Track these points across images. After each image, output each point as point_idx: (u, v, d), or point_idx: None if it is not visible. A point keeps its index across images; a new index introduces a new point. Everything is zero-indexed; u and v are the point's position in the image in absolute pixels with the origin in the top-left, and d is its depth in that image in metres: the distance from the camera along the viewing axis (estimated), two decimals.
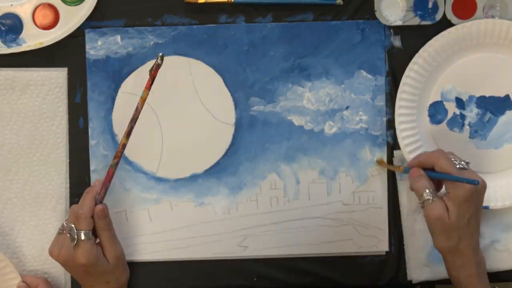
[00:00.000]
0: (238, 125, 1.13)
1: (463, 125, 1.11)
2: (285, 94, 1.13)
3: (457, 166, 1.03)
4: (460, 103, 1.11)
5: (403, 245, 1.14)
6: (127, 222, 1.13)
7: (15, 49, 1.10)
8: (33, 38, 1.11)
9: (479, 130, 1.11)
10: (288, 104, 1.13)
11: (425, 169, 1.06)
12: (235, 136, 1.13)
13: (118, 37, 1.12)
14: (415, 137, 1.10)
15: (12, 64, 1.12)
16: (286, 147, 1.13)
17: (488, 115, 1.11)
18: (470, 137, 1.12)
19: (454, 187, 1.02)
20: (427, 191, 1.03)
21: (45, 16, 1.11)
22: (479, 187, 1.02)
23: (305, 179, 1.13)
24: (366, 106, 1.13)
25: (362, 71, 1.13)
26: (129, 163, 1.13)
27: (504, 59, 1.10)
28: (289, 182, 1.13)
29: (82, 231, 1.04)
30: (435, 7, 1.10)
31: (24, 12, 1.11)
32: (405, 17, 1.11)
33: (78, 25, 1.11)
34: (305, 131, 1.13)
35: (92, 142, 1.13)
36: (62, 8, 1.11)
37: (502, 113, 1.11)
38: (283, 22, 1.13)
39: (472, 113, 1.11)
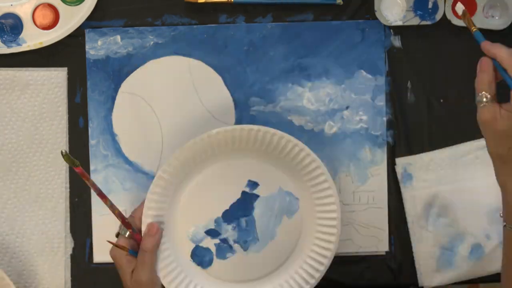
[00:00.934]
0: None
1: (231, 247, 1.09)
2: (285, 94, 1.13)
3: None
4: (213, 233, 1.09)
5: (407, 249, 1.15)
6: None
7: (15, 49, 1.11)
8: (33, 38, 1.11)
9: (247, 238, 1.09)
10: (288, 104, 1.13)
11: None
12: None
13: (118, 37, 1.13)
14: (183, 283, 1.08)
15: (12, 63, 1.12)
16: None
17: (243, 220, 1.09)
18: (245, 250, 1.09)
19: None
20: (482, 93, 0.98)
21: (45, 16, 1.11)
22: None
23: None
24: (366, 106, 1.13)
25: (362, 71, 1.13)
26: (129, 163, 1.14)
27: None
28: None
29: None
30: (435, 7, 1.11)
31: (24, 12, 1.11)
32: (405, 17, 1.11)
33: (78, 25, 1.11)
34: (305, 131, 1.13)
35: (92, 142, 1.14)
36: (62, 8, 1.11)
37: (252, 208, 1.09)
38: (283, 22, 1.13)
39: (229, 231, 1.09)
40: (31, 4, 1.11)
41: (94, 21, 1.12)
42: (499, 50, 0.97)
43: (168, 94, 1.13)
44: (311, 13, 1.13)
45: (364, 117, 1.13)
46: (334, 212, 1.07)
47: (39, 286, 1.15)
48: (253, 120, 1.13)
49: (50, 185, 1.14)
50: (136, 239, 1.05)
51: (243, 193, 1.09)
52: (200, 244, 1.09)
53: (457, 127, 1.14)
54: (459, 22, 1.11)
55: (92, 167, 1.13)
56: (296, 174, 1.08)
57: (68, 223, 1.14)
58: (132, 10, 1.13)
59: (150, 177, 1.13)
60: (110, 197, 1.12)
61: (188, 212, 1.08)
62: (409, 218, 1.13)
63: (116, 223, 1.12)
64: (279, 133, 1.04)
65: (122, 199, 1.14)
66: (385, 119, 1.13)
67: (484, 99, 0.98)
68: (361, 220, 1.14)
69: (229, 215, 1.09)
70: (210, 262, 1.09)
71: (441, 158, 1.14)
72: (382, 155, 1.14)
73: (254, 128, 1.04)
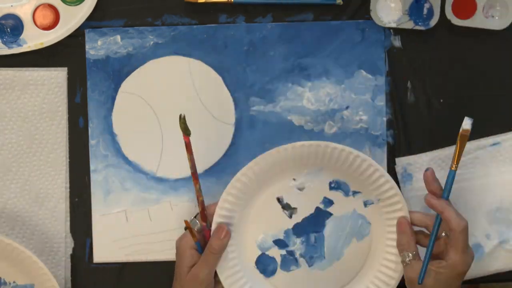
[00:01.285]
0: (238, 125, 1.14)
1: (296, 260, 1.10)
2: (285, 94, 1.14)
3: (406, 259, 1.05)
4: (280, 243, 1.10)
5: None
6: (127, 222, 1.14)
7: (15, 49, 1.11)
8: (34, 39, 1.11)
9: (313, 254, 1.10)
10: (288, 104, 1.14)
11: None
12: (235, 136, 1.14)
13: (118, 37, 1.13)
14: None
15: (12, 64, 1.12)
16: None
17: (312, 236, 1.10)
18: (310, 266, 1.10)
19: (453, 257, 1.03)
20: (404, 253, 1.05)
21: (45, 17, 1.11)
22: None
23: None
24: (366, 106, 1.14)
25: (362, 71, 1.13)
26: (129, 163, 1.14)
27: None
28: None
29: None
30: (430, 13, 1.11)
31: (24, 12, 1.11)
32: (399, 19, 1.11)
33: (79, 25, 1.11)
34: (305, 131, 1.14)
35: (92, 142, 1.14)
36: (62, 8, 1.11)
37: (323, 225, 1.10)
38: (283, 22, 1.13)
39: (297, 245, 1.10)
40: (31, 4, 1.11)
41: (94, 21, 1.13)
42: (449, 212, 1.02)
43: (168, 94, 1.13)
44: (311, 13, 1.13)
45: (364, 117, 1.14)
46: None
47: (39, 287, 1.13)
48: (253, 120, 1.13)
49: (50, 185, 1.14)
50: (205, 235, 1.06)
51: (317, 209, 1.10)
52: (267, 253, 1.10)
53: (457, 127, 1.14)
54: (459, 22, 1.11)
55: (92, 167, 1.14)
56: (372, 198, 1.08)
57: (68, 223, 1.14)
58: (132, 10, 1.13)
59: (150, 177, 1.14)
60: (110, 197, 1.13)
61: (260, 219, 1.09)
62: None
63: (115, 223, 1.12)
64: (363, 156, 1.06)
65: (122, 199, 1.14)
66: (385, 119, 1.14)
67: (407, 259, 1.04)
68: None
69: (300, 229, 1.10)
70: (273, 272, 1.10)
71: (440, 158, 1.14)
72: (382, 155, 1.14)
73: (338, 148, 1.05)
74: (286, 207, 1.09)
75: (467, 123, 1.02)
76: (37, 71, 1.13)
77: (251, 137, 1.14)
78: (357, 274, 1.10)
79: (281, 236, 1.10)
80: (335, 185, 1.09)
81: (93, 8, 1.11)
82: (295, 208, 1.09)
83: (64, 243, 1.15)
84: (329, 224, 1.10)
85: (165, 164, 1.14)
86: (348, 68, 1.13)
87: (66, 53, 1.13)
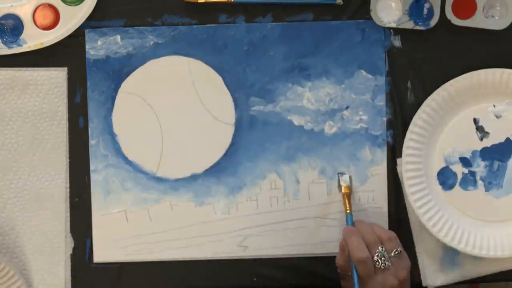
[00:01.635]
0: (238, 125, 1.14)
1: (475, 181, 1.13)
2: (285, 94, 1.14)
3: (377, 265, 1.04)
4: (465, 162, 1.13)
5: (407, 249, 1.14)
6: (127, 222, 1.14)
7: (15, 49, 1.11)
8: (34, 39, 1.11)
9: (493, 181, 1.13)
10: (288, 104, 1.14)
11: None
12: (235, 136, 1.14)
13: (118, 37, 1.13)
14: (429, 204, 1.12)
15: (12, 64, 1.13)
16: (286, 147, 1.14)
17: (496, 163, 1.13)
18: (486, 191, 1.13)
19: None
20: (341, 272, 1.08)
21: (45, 17, 1.12)
22: None
23: (305, 179, 1.14)
24: (366, 106, 1.14)
25: (362, 71, 1.14)
26: (129, 163, 1.14)
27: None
28: (289, 182, 1.14)
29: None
30: (430, 13, 1.11)
31: (24, 12, 1.12)
32: (399, 19, 1.12)
33: (79, 25, 1.11)
34: (305, 131, 1.14)
35: (92, 142, 1.14)
36: (62, 8, 1.11)
37: (509, 156, 1.13)
38: (283, 22, 1.14)
39: (480, 167, 1.13)
40: (31, 4, 1.12)
41: (94, 21, 1.13)
42: (351, 242, 1.05)
43: (168, 94, 1.14)
44: (311, 13, 1.14)
45: (364, 117, 1.14)
46: None
47: (39, 286, 1.15)
48: (253, 120, 1.14)
49: (50, 185, 1.14)
50: None
51: (507, 139, 1.13)
52: (450, 167, 1.13)
53: None
54: (459, 22, 1.12)
55: (92, 167, 1.14)
56: None
57: (68, 223, 1.15)
58: (132, 10, 1.13)
59: (150, 177, 1.14)
60: (110, 197, 1.14)
61: (452, 133, 1.13)
62: (412, 218, 1.14)
63: (115, 223, 1.13)
64: None
65: (122, 199, 1.14)
66: (385, 119, 1.14)
67: (342, 276, 1.08)
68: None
69: (487, 153, 1.13)
70: (451, 186, 1.13)
71: None
72: (382, 155, 1.14)
73: None
74: (479, 129, 1.12)
75: (344, 180, 1.11)
76: (37, 71, 1.13)
77: (251, 137, 1.14)
78: None
79: (467, 155, 1.13)
80: None
81: (93, 8, 1.11)
82: (487, 133, 1.12)
83: (64, 243, 1.15)
84: None
85: (165, 164, 1.14)
86: (348, 68, 1.14)
87: (66, 53, 1.13)
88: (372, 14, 1.12)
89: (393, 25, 1.12)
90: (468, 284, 1.17)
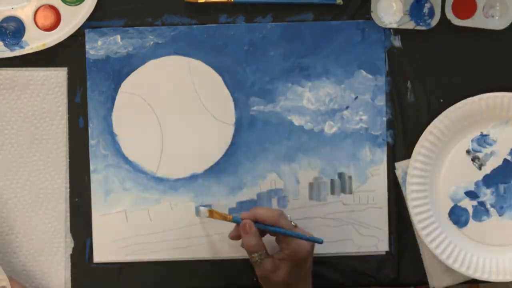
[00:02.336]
0: (238, 125, 1.15)
1: (487, 210, 1.14)
2: (285, 94, 1.14)
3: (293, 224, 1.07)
4: (471, 195, 1.14)
5: (407, 249, 1.16)
6: (127, 222, 1.15)
7: (18, 52, 1.12)
8: (36, 40, 1.12)
9: (503, 204, 1.14)
10: (288, 104, 1.15)
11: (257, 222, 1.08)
12: (235, 136, 1.15)
13: (118, 37, 1.14)
14: (445, 242, 1.13)
15: (12, 64, 1.13)
16: (286, 147, 1.15)
17: (502, 186, 1.13)
18: (500, 215, 1.14)
19: (290, 245, 1.06)
20: (256, 254, 1.07)
21: (46, 18, 1.12)
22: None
23: (305, 179, 1.15)
24: (366, 106, 1.14)
25: (362, 71, 1.14)
26: (129, 163, 1.15)
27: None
28: (289, 182, 1.15)
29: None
30: (431, 13, 1.12)
31: (25, 14, 1.12)
32: (400, 20, 1.12)
33: (80, 25, 1.12)
34: (305, 131, 1.14)
35: (92, 142, 1.15)
36: (63, 8, 1.12)
37: (511, 176, 1.14)
38: (283, 22, 1.14)
39: (487, 195, 1.14)
40: (31, 6, 1.12)
41: (94, 21, 1.13)
42: (256, 212, 1.07)
43: (168, 94, 1.14)
44: (311, 13, 1.14)
45: (364, 117, 1.14)
46: None
47: (39, 286, 1.15)
48: (253, 120, 1.14)
49: (50, 185, 1.15)
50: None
51: (505, 160, 1.13)
52: (459, 204, 1.14)
53: None
54: (459, 22, 1.12)
55: (92, 167, 1.14)
56: None
57: (68, 223, 1.15)
58: (132, 10, 1.14)
59: (150, 177, 1.14)
60: (110, 197, 1.14)
61: (451, 172, 1.13)
62: (413, 219, 1.14)
63: (115, 223, 1.13)
64: None
65: (122, 199, 1.15)
66: (385, 119, 1.14)
67: (258, 259, 1.07)
68: (361, 220, 1.15)
69: (490, 180, 1.13)
70: (466, 222, 1.14)
71: None
72: (382, 155, 1.15)
73: None
74: (475, 159, 1.13)
75: (202, 211, 1.12)
76: (37, 71, 1.13)
77: (251, 137, 1.15)
78: None
79: (471, 187, 1.14)
80: None
81: (93, 8, 1.12)
82: (484, 160, 1.13)
83: (64, 243, 1.15)
84: None
85: (165, 164, 1.15)
86: (348, 68, 1.14)
87: (66, 53, 1.14)
88: (372, 15, 1.12)
89: (394, 25, 1.12)
90: (468, 284, 1.17)
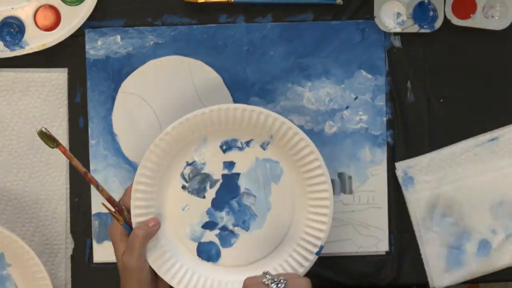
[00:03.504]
0: None
1: (232, 232, 1.10)
2: (285, 94, 1.15)
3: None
4: (210, 225, 1.10)
5: (407, 249, 1.16)
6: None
7: (18, 52, 1.12)
8: (36, 40, 1.12)
9: (244, 217, 1.10)
10: (288, 104, 1.15)
11: None
12: None
13: (118, 37, 1.14)
14: (199, 282, 1.09)
15: (12, 64, 1.14)
16: None
17: (234, 202, 1.10)
18: (247, 230, 1.10)
19: None
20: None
21: (46, 18, 1.13)
22: None
23: None
24: (366, 106, 1.15)
25: (362, 71, 1.15)
26: (129, 163, 1.15)
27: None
28: None
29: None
30: (435, 15, 1.12)
31: (25, 14, 1.12)
32: (404, 23, 1.13)
33: (80, 25, 1.13)
34: (305, 131, 1.14)
35: (92, 142, 1.15)
36: (63, 8, 1.13)
37: (237, 187, 1.10)
38: (283, 22, 1.15)
39: (224, 218, 1.10)
40: (31, 6, 1.13)
41: (94, 21, 1.14)
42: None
43: (168, 94, 1.15)
44: (311, 13, 1.15)
45: (364, 117, 1.15)
46: (319, 169, 1.08)
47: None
48: None
49: (50, 187, 1.15)
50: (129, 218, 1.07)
51: (223, 176, 1.10)
52: (202, 240, 1.10)
53: (457, 127, 1.15)
54: (459, 22, 1.13)
55: (92, 167, 1.15)
56: (266, 138, 1.09)
57: (69, 224, 1.16)
58: (132, 10, 1.14)
59: None
60: None
61: (177, 214, 1.10)
62: (414, 221, 1.15)
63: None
64: (232, 106, 1.06)
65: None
66: (385, 119, 1.15)
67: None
68: (361, 220, 1.15)
69: (218, 202, 1.10)
70: (218, 254, 1.10)
71: (440, 158, 1.15)
72: (382, 155, 1.15)
73: (206, 111, 1.06)
74: (194, 191, 1.10)
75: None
76: (38, 72, 1.14)
77: None
78: (293, 216, 1.10)
79: (205, 219, 1.10)
80: (226, 146, 1.10)
81: (93, 8, 1.12)
82: (202, 187, 1.10)
83: (65, 244, 1.16)
84: (242, 183, 1.10)
85: None
86: (348, 68, 1.15)
87: (66, 53, 1.14)
88: (376, 20, 1.13)
89: (398, 29, 1.13)
90: (468, 284, 1.18)
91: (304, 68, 1.15)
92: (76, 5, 1.12)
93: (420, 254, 1.16)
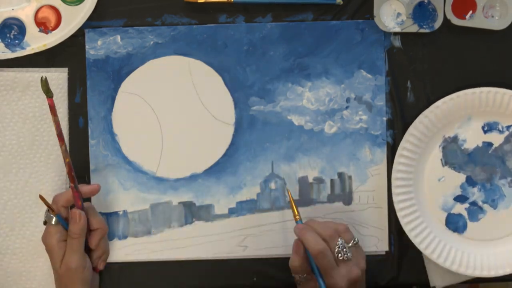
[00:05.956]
0: (238, 125, 1.16)
1: (481, 208, 1.16)
2: (285, 94, 1.16)
3: (339, 257, 1.06)
4: (461, 199, 1.16)
5: (407, 248, 1.17)
6: (127, 222, 1.16)
7: (19, 53, 1.13)
8: (37, 41, 1.13)
9: (494, 197, 1.16)
10: (288, 104, 1.16)
11: None
12: (235, 136, 1.16)
13: (118, 37, 1.15)
14: (445, 250, 1.15)
15: (13, 64, 1.14)
16: (286, 147, 1.16)
17: (488, 181, 1.16)
18: (495, 208, 1.16)
19: (327, 279, 1.06)
20: (297, 275, 1.08)
21: (47, 18, 1.13)
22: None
23: (305, 179, 1.16)
24: (366, 106, 1.16)
25: (362, 71, 1.16)
26: (129, 163, 1.16)
27: None
28: (289, 182, 1.16)
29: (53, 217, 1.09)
30: (434, 15, 1.13)
31: (26, 15, 1.13)
32: (403, 23, 1.14)
33: (80, 25, 1.13)
34: (305, 131, 1.16)
35: (92, 142, 1.16)
36: (63, 8, 1.13)
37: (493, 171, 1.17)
38: (283, 22, 1.16)
39: (476, 194, 1.16)
40: (32, 7, 1.13)
41: (94, 21, 1.15)
42: (306, 238, 1.06)
43: (168, 94, 1.16)
44: (311, 13, 1.16)
45: (364, 117, 1.16)
46: None
47: (39, 287, 1.16)
48: (253, 120, 1.16)
49: (50, 187, 1.16)
50: (75, 198, 1.09)
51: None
52: (452, 211, 1.16)
53: None
54: (459, 22, 1.14)
55: (92, 167, 1.16)
56: None
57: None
58: (132, 10, 1.16)
59: (149, 177, 1.16)
60: (110, 197, 1.15)
61: (433, 183, 1.16)
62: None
63: (116, 223, 1.14)
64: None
65: (122, 199, 1.16)
66: (385, 119, 1.16)
67: (299, 280, 1.08)
68: (361, 220, 1.16)
69: (476, 176, 1.16)
70: (464, 227, 1.16)
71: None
72: (382, 155, 1.16)
73: (483, 91, 1.13)
74: (451, 165, 1.16)
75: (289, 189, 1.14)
76: (38, 72, 1.15)
77: (251, 137, 1.16)
78: None
79: (458, 192, 1.16)
80: (488, 127, 1.15)
81: (93, 8, 1.13)
82: (463, 164, 1.16)
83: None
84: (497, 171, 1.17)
85: (165, 164, 1.16)
86: (348, 68, 1.16)
87: (66, 53, 1.15)
88: (376, 20, 1.14)
89: (398, 29, 1.14)
90: (468, 284, 1.18)
91: (304, 68, 1.16)
92: (76, 5, 1.13)
93: (420, 254, 1.16)
